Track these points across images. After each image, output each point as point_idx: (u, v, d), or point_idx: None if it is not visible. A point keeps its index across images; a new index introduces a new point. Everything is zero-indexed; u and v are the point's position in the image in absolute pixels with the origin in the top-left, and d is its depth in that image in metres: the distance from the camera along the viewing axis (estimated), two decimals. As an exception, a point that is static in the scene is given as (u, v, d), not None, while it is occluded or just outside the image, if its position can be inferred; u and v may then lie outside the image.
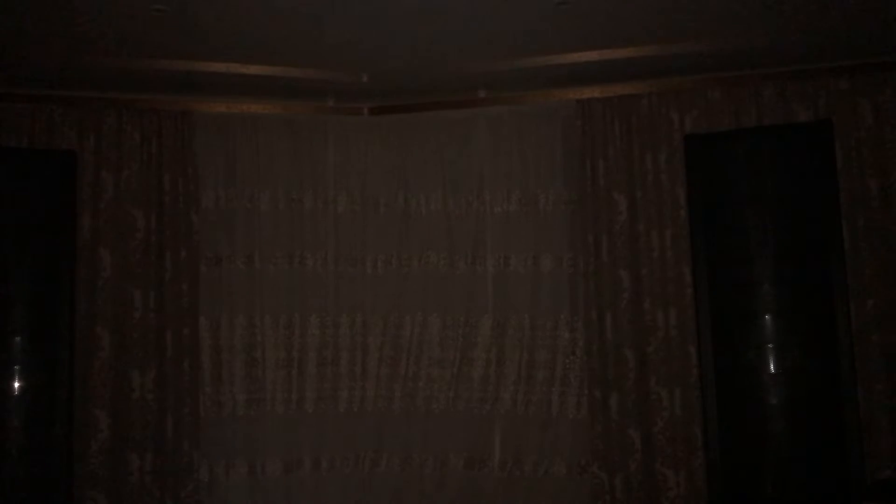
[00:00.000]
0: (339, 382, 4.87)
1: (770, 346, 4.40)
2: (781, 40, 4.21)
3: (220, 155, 4.87)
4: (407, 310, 4.90)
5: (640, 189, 4.61)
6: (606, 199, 4.63)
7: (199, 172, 4.79)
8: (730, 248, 4.51)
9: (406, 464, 4.81)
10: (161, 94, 4.75)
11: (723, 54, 4.36)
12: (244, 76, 4.52)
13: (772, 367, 4.39)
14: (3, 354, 4.40)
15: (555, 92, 4.81)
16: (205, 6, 3.71)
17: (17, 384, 4.43)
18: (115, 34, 4.00)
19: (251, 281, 4.83)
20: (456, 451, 4.78)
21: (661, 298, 4.51)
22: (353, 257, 4.95)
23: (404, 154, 4.99)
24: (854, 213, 4.34)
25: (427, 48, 4.27)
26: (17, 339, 4.46)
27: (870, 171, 4.35)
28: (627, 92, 4.68)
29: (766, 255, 4.44)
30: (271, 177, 4.91)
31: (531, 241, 4.82)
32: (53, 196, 4.58)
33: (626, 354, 4.52)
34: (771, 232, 4.45)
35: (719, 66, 4.51)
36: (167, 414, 4.55)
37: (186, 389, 4.60)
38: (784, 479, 4.33)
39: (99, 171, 4.62)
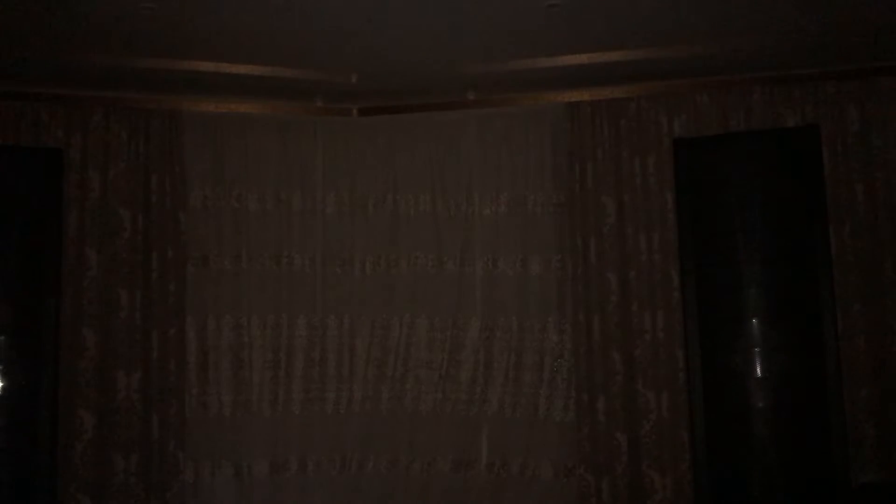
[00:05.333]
0: (326, 384, 4.85)
1: (757, 349, 4.43)
2: (770, 45, 4.23)
3: (207, 154, 4.84)
4: (395, 311, 4.89)
5: (628, 192, 4.62)
6: (595, 202, 4.64)
7: (187, 172, 4.76)
8: (717, 251, 4.54)
9: (393, 465, 4.80)
10: (149, 93, 4.72)
11: (711, 58, 4.37)
12: (233, 76, 4.50)
13: (758, 371, 4.42)
14: (-12, 354, 4.38)
15: (544, 94, 4.81)
16: (194, 5, 3.70)
17: (1, 384, 4.40)
18: (104, 32, 3.97)
19: (238, 281, 4.81)
20: (443, 452, 4.78)
21: (649, 301, 4.52)
22: (341, 258, 4.94)
23: (393, 155, 4.98)
24: (841, 217, 4.35)
25: (416, 49, 4.26)
26: (2, 338, 4.44)
27: (856, 176, 4.37)
28: (616, 95, 4.68)
29: (753, 259, 4.47)
30: (259, 177, 4.89)
31: (519, 244, 4.82)
32: (39, 194, 4.57)
33: (613, 357, 4.52)
34: (758, 236, 4.48)
35: (708, 70, 4.52)
36: (153, 415, 4.52)
37: (172, 390, 4.57)
38: (770, 482, 4.36)
39: (86, 170, 4.58)
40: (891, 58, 4.37)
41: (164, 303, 4.60)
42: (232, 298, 4.80)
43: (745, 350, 4.44)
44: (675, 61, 4.38)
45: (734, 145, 4.57)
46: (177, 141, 4.73)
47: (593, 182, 4.66)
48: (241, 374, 4.78)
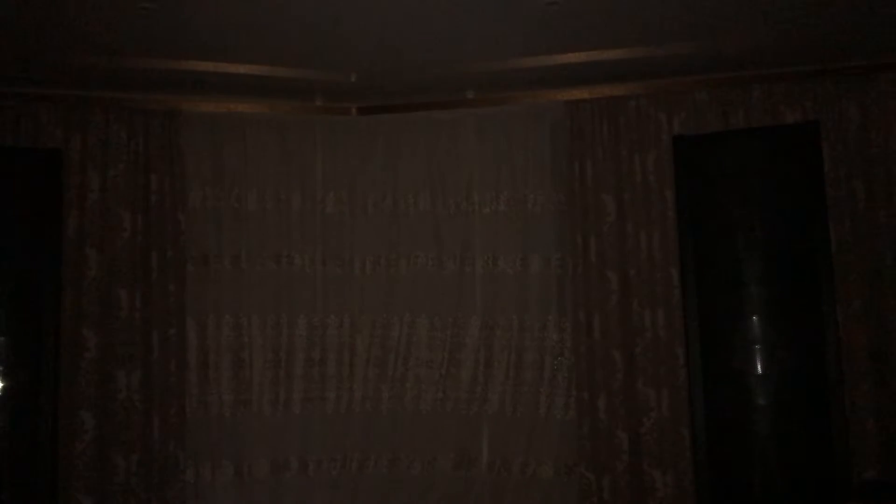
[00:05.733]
0: (326, 383, 4.85)
1: (757, 346, 4.42)
2: (769, 42, 4.23)
3: (207, 154, 4.85)
4: (395, 310, 4.89)
5: (628, 190, 4.62)
6: (594, 201, 4.64)
7: (186, 172, 4.76)
8: (717, 249, 4.53)
9: (394, 465, 4.80)
10: (148, 93, 4.72)
11: (711, 56, 4.37)
12: (232, 75, 4.50)
13: (759, 368, 4.41)
14: (-12, 354, 4.38)
15: (543, 93, 4.81)
16: (192, 5, 3.70)
17: (1, 384, 4.40)
18: (102, 32, 3.97)
19: (238, 281, 4.81)
20: (444, 452, 4.78)
21: (649, 299, 4.51)
22: (341, 258, 4.94)
23: (392, 154, 4.98)
24: (841, 214, 4.35)
25: (416, 48, 4.26)
26: (2, 338, 4.43)
27: (856, 172, 4.36)
28: (616, 93, 4.68)
29: (753, 256, 4.46)
30: (259, 176, 4.89)
31: (519, 242, 4.82)
32: (39, 195, 4.56)
33: (613, 355, 4.52)
34: (758, 233, 4.47)
35: (707, 67, 4.52)
36: (153, 415, 4.52)
37: (173, 390, 4.57)
38: (771, 479, 4.35)
39: (85, 170, 4.58)
40: (890, 55, 4.36)
41: (164, 303, 4.60)
42: (232, 298, 4.80)
43: (745, 348, 4.43)
44: (675, 59, 4.37)
45: (734, 143, 4.57)
46: (176, 141, 4.73)
47: (593, 180, 4.65)
48: (241, 374, 4.78)
